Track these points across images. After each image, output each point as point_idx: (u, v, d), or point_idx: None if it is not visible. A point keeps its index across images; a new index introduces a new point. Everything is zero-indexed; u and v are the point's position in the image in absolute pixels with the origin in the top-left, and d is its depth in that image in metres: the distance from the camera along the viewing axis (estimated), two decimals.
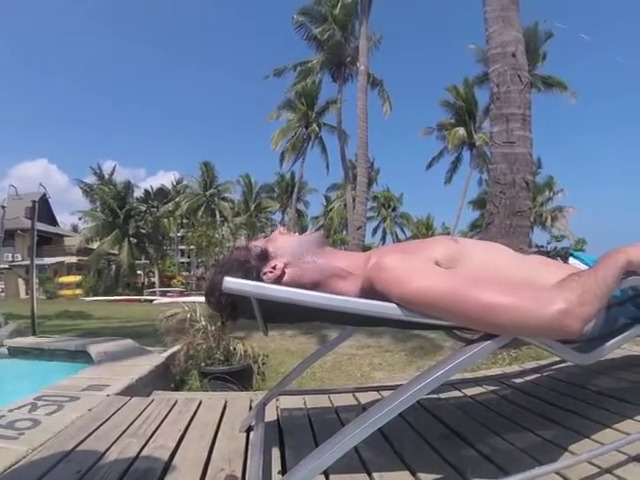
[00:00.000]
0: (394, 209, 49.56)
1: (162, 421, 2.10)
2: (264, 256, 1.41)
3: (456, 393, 2.44)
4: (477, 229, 34.98)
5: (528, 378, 2.69)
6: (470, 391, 2.46)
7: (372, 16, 20.21)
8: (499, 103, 5.69)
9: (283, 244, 1.45)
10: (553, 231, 37.05)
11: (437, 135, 34.92)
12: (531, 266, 1.50)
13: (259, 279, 1.34)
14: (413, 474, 1.45)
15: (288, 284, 1.33)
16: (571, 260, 1.75)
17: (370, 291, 1.27)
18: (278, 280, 1.36)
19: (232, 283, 1.18)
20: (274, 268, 1.38)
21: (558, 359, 2.69)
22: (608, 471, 1.37)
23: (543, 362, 2.96)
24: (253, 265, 1.39)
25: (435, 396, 2.33)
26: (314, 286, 1.34)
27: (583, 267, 1.54)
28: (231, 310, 1.42)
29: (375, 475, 1.45)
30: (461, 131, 32.96)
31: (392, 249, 1.63)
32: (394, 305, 1.19)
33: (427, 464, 1.52)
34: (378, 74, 25.68)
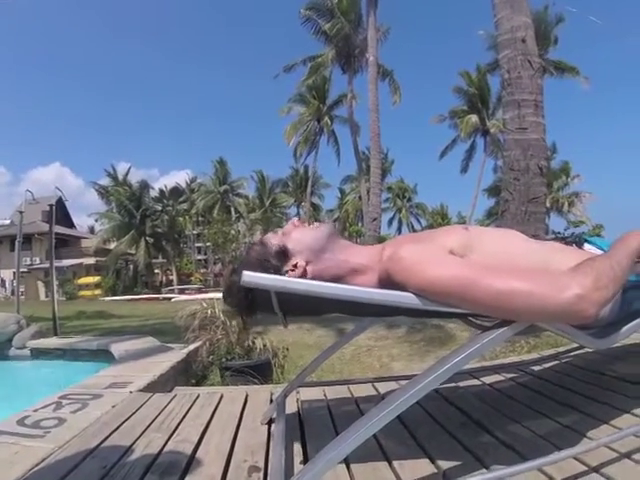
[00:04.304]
0: (409, 199, 49.37)
1: (185, 415, 2.14)
2: (283, 254, 1.41)
3: (475, 381, 2.45)
4: (493, 217, 34.70)
5: (546, 365, 2.69)
6: (489, 379, 2.47)
7: (380, 5, 20.08)
8: (510, 89, 5.65)
9: (300, 239, 1.44)
10: (570, 217, 36.67)
11: (450, 123, 34.69)
12: (546, 252, 1.49)
13: None
14: (432, 461, 1.47)
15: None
16: (586, 246, 1.74)
17: (387, 282, 1.29)
18: (301, 278, 1.37)
19: (251, 277, 1.19)
20: (295, 266, 1.39)
21: (576, 346, 2.68)
22: (627, 456, 1.38)
23: (561, 349, 2.95)
24: (273, 264, 1.39)
25: (454, 385, 2.35)
26: (334, 281, 1.35)
27: (598, 252, 1.53)
28: (249, 306, 1.43)
29: (395, 463, 1.46)
30: (474, 118, 32.67)
31: (406, 240, 1.64)
32: (412, 294, 1.20)
33: (446, 452, 1.53)
34: (388, 64, 25.61)
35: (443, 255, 1.27)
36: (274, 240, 1.45)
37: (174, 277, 41.24)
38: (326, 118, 33.37)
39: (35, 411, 2.23)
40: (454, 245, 1.33)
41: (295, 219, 1.54)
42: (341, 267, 1.41)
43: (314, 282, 1.24)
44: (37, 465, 1.61)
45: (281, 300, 1.34)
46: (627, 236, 1.32)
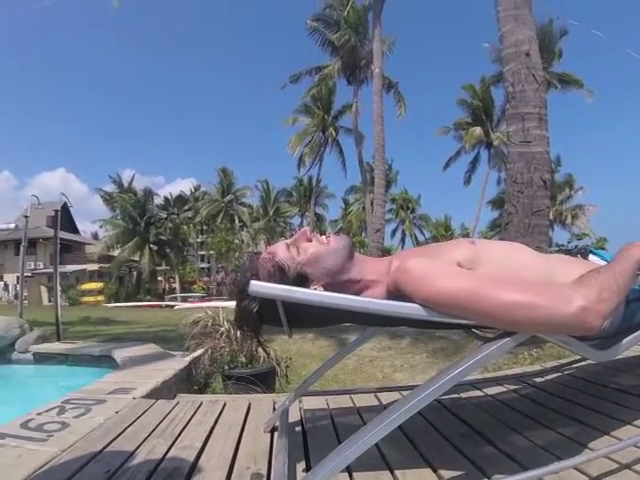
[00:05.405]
0: (412, 211, 49.33)
1: (188, 422, 2.14)
2: (302, 278, 1.40)
3: (477, 393, 2.45)
4: (497, 229, 34.68)
5: (549, 377, 2.69)
6: (491, 390, 2.47)
7: (385, 17, 20.16)
8: (514, 102, 5.69)
9: (318, 263, 1.41)
10: (573, 229, 36.68)
11: (454, 135, 34.83)
12: (551, 264, 1.51)
13: None
14: (435, 471, 1.47)
15: None
16: (591, 257, 1.76)
17: (395, 293, 1.31)
18: None
19: (260, 287, 1.20)
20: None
21: (578, 358, 2.68)
22: (627, 467, 1.38)
23: (564, 361, 2.95)
24: None
25: (456, 396, 2.35)
26: None
27: (603, 264, 1.54)
28: (259, 321, 1.43)
29: (397, 472, 1.47)
30: (478, 130, 32.76)
31: (413, 253, 1.65)
32: (418, 305, 1.21)
33: (448, 462, 1.53)
34: (393, 76, 25.71)
35: (451, 267, 1.29)
36: (289, 261, 1.42)
37: (177, 285, 41.29)
38: (331, 129, 33.44)
39: (39, 415, 2.24)
40: (461, 258, 1.34)
41: (307, 229, 1.51)
42: (355, 286, 1.42)
43: (324, 293, 1.26)
44: (40, 468, 1.61)
45: (287, 311, 1.35)
46: (629, 247, 1.33)
